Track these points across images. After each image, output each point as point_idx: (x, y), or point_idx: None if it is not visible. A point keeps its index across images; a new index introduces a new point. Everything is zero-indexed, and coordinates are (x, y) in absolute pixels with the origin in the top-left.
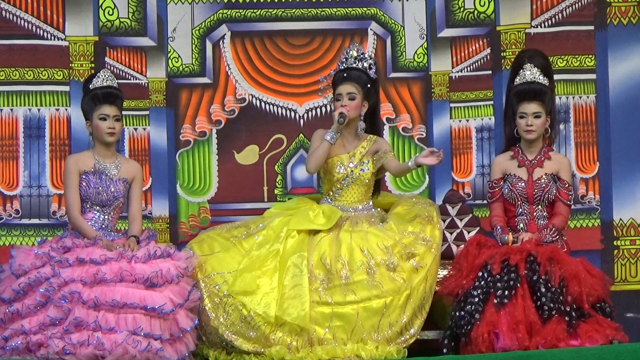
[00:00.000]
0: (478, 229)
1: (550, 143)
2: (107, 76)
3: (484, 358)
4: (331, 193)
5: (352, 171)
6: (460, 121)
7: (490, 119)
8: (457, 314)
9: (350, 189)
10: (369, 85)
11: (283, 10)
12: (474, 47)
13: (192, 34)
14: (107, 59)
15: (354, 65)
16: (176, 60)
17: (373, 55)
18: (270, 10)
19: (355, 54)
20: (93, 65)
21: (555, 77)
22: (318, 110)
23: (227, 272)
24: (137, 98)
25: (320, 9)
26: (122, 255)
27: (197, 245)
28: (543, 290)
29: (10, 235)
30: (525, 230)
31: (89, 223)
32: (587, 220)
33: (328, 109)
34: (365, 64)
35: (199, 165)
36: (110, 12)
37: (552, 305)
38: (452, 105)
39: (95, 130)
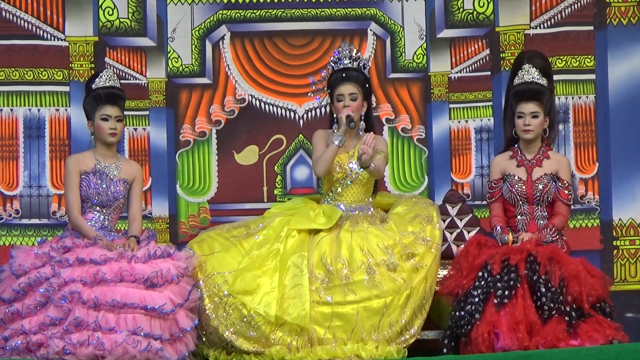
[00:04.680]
0: (478, 229)
1: (549, 143)
2: (109, 76)
3: (484, 358)
4: (331, 193)
5: (350, 171)
6: (459, 122)
7: (489, 119)
8: (457, 314)
9: (350, 188)
10: (367, 85)
11: (283, 10)
12: (473, 48)
13: (192, 34)
14: (107, 59)
15: (350, 65)
16: (176, 60)
17: (373, 56)
18: (269, 11)
19: (349, 53)
20: (93, 65)
21: (555, 77)
22: (317, 110)
23: (227, 272)
24: (137, 98)
25: (319, 10)
26: (122, 255)
27: (197, 245)
28: (543, 290)
29: (10, 235)
30: (525, 230)
31: (89, 223)
32: (586, 220)
33: (328, 109)
34: (361, 64)
35: (199, 165)
36: (110, 13)
37: (552, 305)
38: (451, 106)
39: (97, 130)
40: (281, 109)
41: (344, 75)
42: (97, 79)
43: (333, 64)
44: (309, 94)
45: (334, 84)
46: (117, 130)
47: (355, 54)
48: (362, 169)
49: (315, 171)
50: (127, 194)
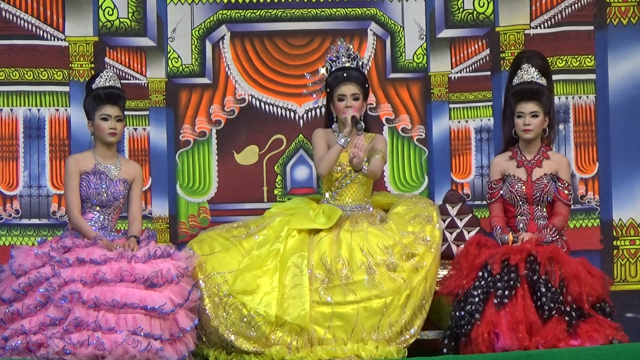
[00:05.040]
0: (478, 229)
1: (549, 143)
2: (110, 76)
3: (484, 358)
4: (330, 192)
5: (350, 170)
6: (459, 122)
7: (489, 120)
8: (457, 313)
9: (349, 188)
10: (366, 85)
11: (283, 10)
12: (473, 48)
13: (192, 34)
14: (107, 59)
15: (349, 64)
16: (176, 60)
17: (373, 56)
18: (269, 11)
19: (347, 52)
20: (93, 65)
21: (555, 77)
22: (317, 110)
23: (228, 272)
24: (137, 98)
25: (320, 9)
26: (122, 255)
27: (197, 245)
28: (543, 290)
29: (10, 235)
30: (525, 231)
31: (89, 223)
32: (586, 220)
33: (325, 108)
34: (359, 62)
35: (199, 165)
36: (110, 12)
37: (552, 305)
38: (451, 106)
39: (97, 130)
40: (281, 109)
41: (344, 75)
42: (97, 79)
43: (331, 63)
44: (305, 91)
45: (334, 83)
46: (116, 130)
47: (353, 52)
48: (355, 173)
49: (319, 171)
50: (127, 194)
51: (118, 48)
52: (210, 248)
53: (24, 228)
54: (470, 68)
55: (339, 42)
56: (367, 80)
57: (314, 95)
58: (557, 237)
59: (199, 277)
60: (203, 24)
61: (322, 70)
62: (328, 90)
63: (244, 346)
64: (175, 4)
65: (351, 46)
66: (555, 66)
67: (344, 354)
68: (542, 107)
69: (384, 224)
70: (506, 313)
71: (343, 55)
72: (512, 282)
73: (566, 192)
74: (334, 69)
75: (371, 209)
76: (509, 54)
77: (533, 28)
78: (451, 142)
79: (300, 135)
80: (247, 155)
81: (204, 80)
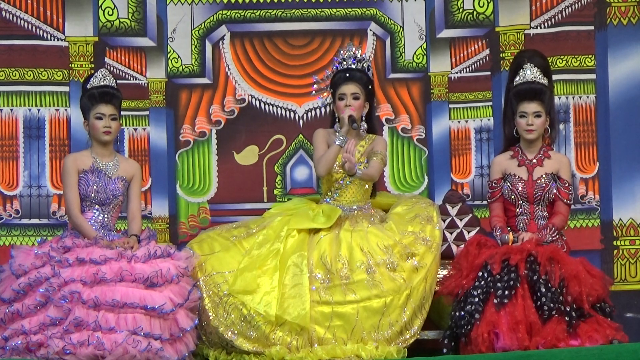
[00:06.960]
0: (478, 229)
1: (550, 143)
2: (104, 75)
3: (484, 358)
4: (330, 193)
5: None
6: (459, 122)
7: (489, 119)
8: (457, 313)
9: (348, 188)
10: (370, 87)
11: (282, 10)
12: (473, 48)
13: (192, 34)
14: (106, 60)
15: (354, 66)
16: (176, 60)
17: (372, 56)
18: (269, 11)
19: (353, 54)
20: (93, 65)
21: (555, 77)
22: (317, 110)
23: (228, 272)
24: (137, 98)
25: (319, 10)
26: (122, 255)
27: (197, 245)
28: (543, 290)
29: (10, 235)
30: (525, 230)
31: (89, 222)
32: (586, 220)
33: (328, 109)
34: (365, 65)
35: (199, 165)
36: (110, 13)
37: (552, 305)
38: (451, 106)
39: (92, 129)
40: (281, 109)
41: (347, 75)
42: (92, 79)
43: (337, 64)
44: (312, 92)
45: (337, 83)
46: (111, 129)
47: (360, 55)
48: (351, 177)
49: (317, 171)
50: (126, 192)
51: (118, 48)
52: (210, 248)
53: (24, 228)
54: (470, 68)
55: (346, 45)
56: (371, 81)
57: (320, 97)
58: (557, 237)
59: (199, 276)
60: (203, 24)
61: (328, 72)
62: (332, 90)
63: (244, 346)
64: (175, 4)
65: (359, 49)
66: (556, 66)
67: (344, 353)
68: (545, 107)
69: (384, 224)
70: (506, 313)
71: (350, 57)
72: (512, 282)
73: (567, 191)
74: (339, 69)
75: (371, 209)
76: (509, 54)
77: (533, 28)
78: (451, 142)
79: (300, 135)
80: (247, 155)
81: (204, 81)
